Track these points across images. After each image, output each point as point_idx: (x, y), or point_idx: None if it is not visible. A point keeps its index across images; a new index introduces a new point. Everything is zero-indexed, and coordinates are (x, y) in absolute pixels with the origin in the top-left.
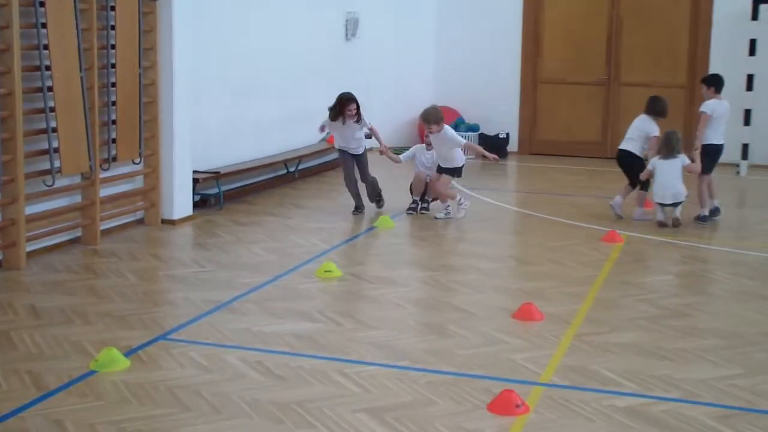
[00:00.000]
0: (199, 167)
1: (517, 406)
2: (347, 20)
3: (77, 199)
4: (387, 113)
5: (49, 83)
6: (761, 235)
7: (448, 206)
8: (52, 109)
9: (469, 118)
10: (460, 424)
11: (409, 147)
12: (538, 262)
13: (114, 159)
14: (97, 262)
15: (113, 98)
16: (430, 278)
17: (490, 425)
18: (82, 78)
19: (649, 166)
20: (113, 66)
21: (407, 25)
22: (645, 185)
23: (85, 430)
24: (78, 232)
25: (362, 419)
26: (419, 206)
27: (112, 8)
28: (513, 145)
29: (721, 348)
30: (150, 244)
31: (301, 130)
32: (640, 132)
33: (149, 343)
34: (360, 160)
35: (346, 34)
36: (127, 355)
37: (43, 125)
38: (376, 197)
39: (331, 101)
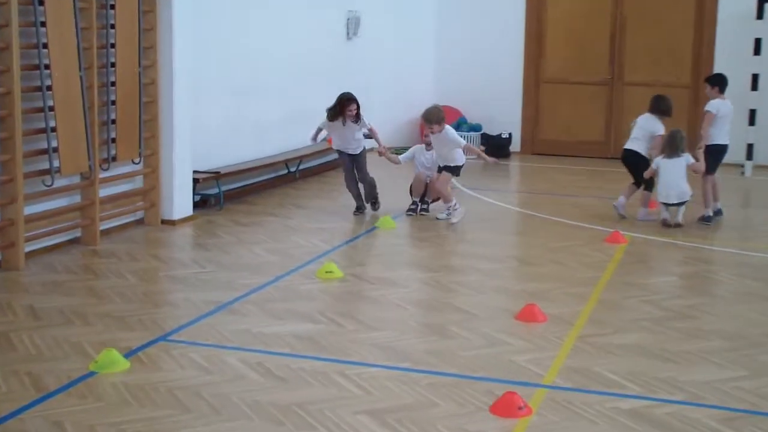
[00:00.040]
0: (200, 167)
1: (520, 408)
2: (348, 19)
3: (77, 199)
4: (388, 113)
5: (48, 82)
6: (766, 236)
7: (449, 207)
8: (52, 109)
9: (471, 118)
10: (462, 426)
11: (410, 147)
12: (540, 263)
13: (114, 159)
14: (97, 262)
15: (113, 97)
16: (432, 279)
17: (492, 427)
18: (81, 77)
19: (653, 165)
20: (113, 65)
21: (408, 25)
22: (649, 185)
23: (85, 431)
24: (77, 233)
25: (363, 421)
26: (419, 207)
27: (112, 7)
28: (515, 145)
29: (725, 350)
30: (150, 245)
31: (301, 129)
32: (645, 131)
33: (149, 344)
34: (358, 159)
35: (348, 34)
36: (126, 356)
37: (42, 125)
38: (372, 199)
39: (332, 101)
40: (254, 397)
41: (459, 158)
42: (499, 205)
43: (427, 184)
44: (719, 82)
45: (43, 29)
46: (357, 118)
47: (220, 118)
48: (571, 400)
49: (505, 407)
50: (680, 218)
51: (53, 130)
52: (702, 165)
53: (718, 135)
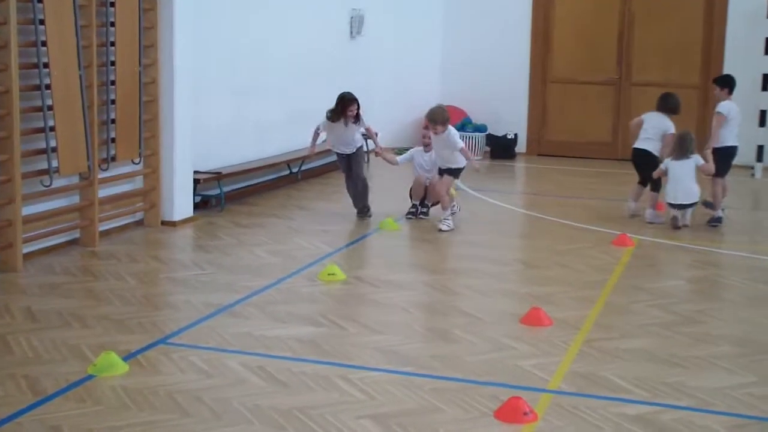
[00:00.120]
0: (200, 167)
1: (525, 413)
2: (352, 17)
3: (75, 199)
4: (391, 113)
5: (47, 81)
6: None
7: (449, 215)
8: (50, 108)
9: (477, 119)
10: (466, 431)
11: (413, 147)
12: (546, 266)
13: (113, 159)
14: (96, 264)
15: (113, 96)
16: (436, 282)
17: None
18: (80, 76)
19: (662, 166)
20: (113, 63)
21: (413, 23)
22: (656, 186)
23: None
24: (76, 234)
25: (366, 426)
26: (419, 210)
27: (112, 4)
28: (521, 146)
29: (734, 355)
30: (150, 246)
31: (304, 130)
32: (658, 130)
33: (149, 347)
34: (354, 157)
35: (351, 32)
36: (125, 359)
37: (41, 124)
38: (362, 204)
39: (335, 101)
40: (255, 401)
41: (461, 159)
42: (505, 206)
43: (426, 187)
44: (729, 84)
45: (42, 27)
46: (357, 118)
47: (221, 118)
48: (576, 405)
49: (510, 413)
50: (688, 219)
51: (52, 129)
52: (711, 166)
53: (728, 137)
